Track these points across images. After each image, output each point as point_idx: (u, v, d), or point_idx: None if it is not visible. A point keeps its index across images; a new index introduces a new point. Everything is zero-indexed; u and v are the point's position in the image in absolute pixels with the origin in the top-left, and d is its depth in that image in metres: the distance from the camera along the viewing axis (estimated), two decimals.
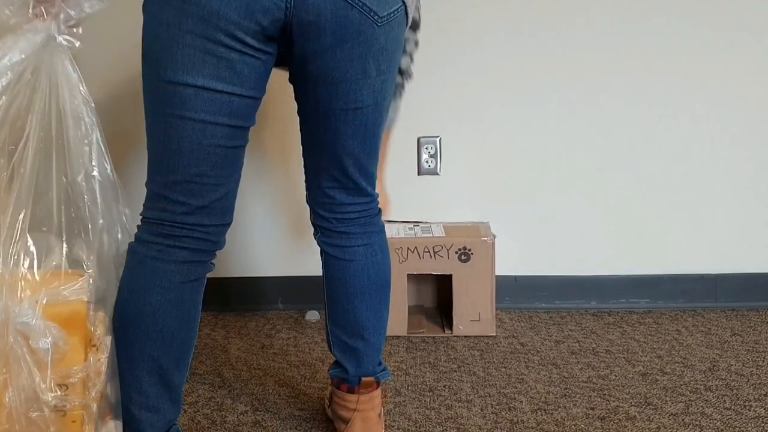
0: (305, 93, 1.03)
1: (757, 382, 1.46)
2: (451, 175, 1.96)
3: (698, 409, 1.34)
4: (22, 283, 0.82)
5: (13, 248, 0.83)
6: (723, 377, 1.49)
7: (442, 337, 1.77)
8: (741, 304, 1.96)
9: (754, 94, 1.89)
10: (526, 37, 1.89)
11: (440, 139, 1.94)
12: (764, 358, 1.59)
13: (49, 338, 0.83)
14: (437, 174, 1.95)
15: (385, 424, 1.30)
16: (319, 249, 1.19)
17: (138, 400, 0.98)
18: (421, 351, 1.68)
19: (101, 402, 0.90)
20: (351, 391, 1.19)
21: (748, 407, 1.35)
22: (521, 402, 1.39)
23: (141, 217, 0.99)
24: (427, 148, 1.94)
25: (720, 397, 1.39)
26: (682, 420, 1.30)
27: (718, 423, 1.28)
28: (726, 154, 1.92)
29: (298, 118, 1.10)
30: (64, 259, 0.86)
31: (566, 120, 1.92)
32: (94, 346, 0.88)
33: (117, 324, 0.96)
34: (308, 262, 2.02)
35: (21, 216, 0.83)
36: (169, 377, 1.00)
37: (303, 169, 1.16)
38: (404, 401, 1.40)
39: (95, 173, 0.92)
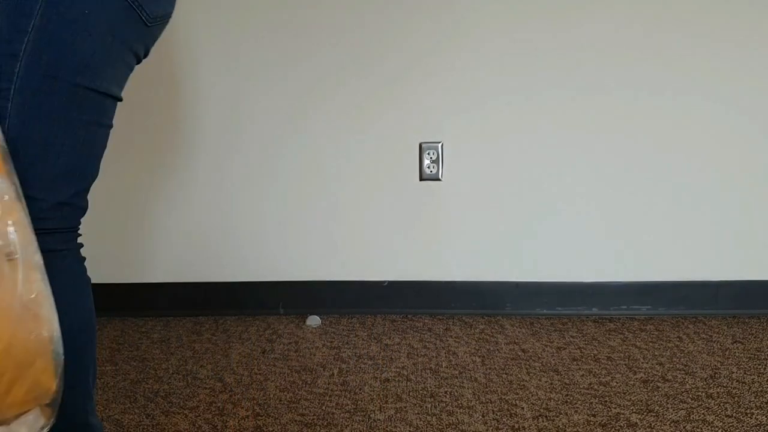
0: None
1: (759, 389, 1.46)
2: (452, 181, 1.96)
3: (700, 416, 1.34)
4: None
5: None
6: (724, 384, 1.49)
7: (444, 342, 1.76)
8: (742, 312, 1.96)
9: (755, 102, 1.89)
10: (529, 41, 1.90)
11: (442, 145, 1.94)
12: (766, 365, 1.59)
13: None
14: (439, 179, 1.96)
15: (386, 431, 1.30)
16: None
17: (91, 407, 0.94)
18: (422, 357, 1.67)
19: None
20: None
21: (749, 415, 1.34)
22: (522, 408, 1.39)
23: (36, 228, 0.81)
24: (429, 154, 1.94)
25: (721, 404, 1.39)
26: (684, 427, 1.30)
27: (720, 431, 1.28)
28: (727, 161, 1.92)
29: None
30: None
31: (569, 125, 1.92)
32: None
33: (79, 343, 0.89)
34: (309, 268, 2.02)
35: None
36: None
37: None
38: (405, 407, 1.40)
39: None
